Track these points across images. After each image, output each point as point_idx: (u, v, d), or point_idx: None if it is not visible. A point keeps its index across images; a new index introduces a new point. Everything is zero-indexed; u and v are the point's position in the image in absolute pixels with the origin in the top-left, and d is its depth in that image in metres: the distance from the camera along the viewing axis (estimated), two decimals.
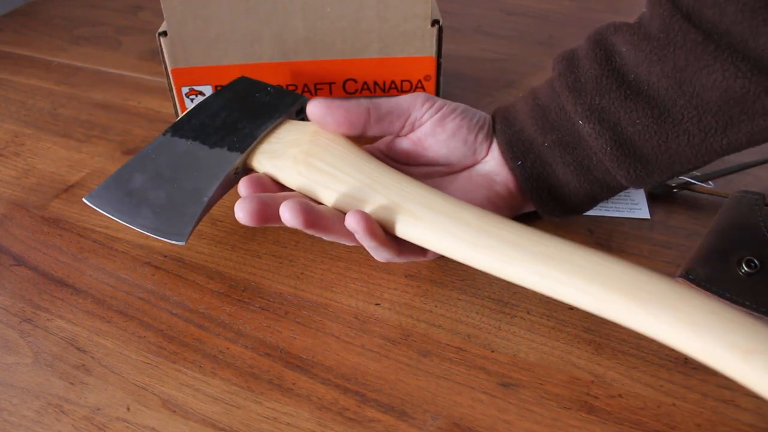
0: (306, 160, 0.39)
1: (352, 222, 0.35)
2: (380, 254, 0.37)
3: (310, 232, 0.36)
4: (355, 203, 0.37)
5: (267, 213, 0.36)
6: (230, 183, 0.42)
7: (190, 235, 0.40)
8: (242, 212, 0.36)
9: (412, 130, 0.41)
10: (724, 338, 0.27)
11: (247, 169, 0.42)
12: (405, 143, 0.41)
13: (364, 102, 0.40)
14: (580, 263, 0.31)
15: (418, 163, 0.42)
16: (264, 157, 0.41)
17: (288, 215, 0.35)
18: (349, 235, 0.37)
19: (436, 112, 0.40)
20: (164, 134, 0.44)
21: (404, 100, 0.41)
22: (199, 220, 0.40)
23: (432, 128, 0.40)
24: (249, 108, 0.44)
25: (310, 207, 0.35)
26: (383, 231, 0.36)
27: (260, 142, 0.42)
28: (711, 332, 0.28)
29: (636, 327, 0.30)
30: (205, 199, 0.40)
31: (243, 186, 0.39)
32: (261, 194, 0.37)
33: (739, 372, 0.27)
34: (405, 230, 0.36)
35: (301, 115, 0.45)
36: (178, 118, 0.45)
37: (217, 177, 0.40)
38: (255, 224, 0.36)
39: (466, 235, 0.34)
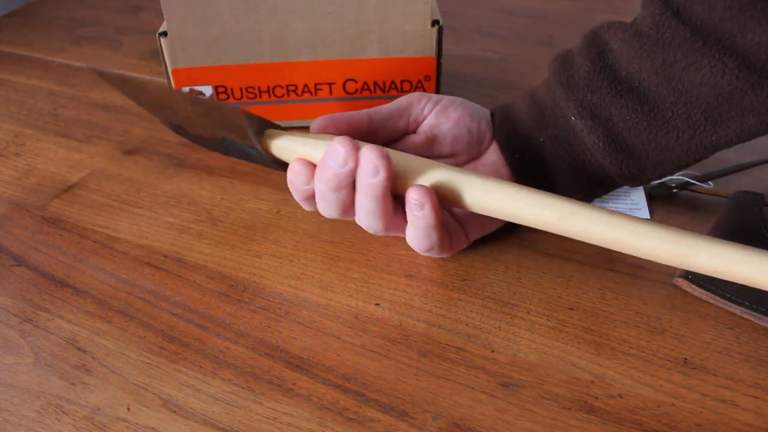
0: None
1: (416, 195, 0.34)
2: (431, 237, 0.37)
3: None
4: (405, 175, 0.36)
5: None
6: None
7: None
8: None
9: (417, 125, 0.41)
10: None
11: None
12: (413, 139, 0.42)
13: (364, 110, 0.40)
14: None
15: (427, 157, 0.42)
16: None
17: (371, 155, 0.34)
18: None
19: (436, 104, 0.41)
20: None
21: (402, 99, 0.41)
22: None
23: (436, 119, 0.41)
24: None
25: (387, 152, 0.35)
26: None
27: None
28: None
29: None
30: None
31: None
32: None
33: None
34: (471, 196, 0.36)
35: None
36: None
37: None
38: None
39: (520, 193, 0.35)
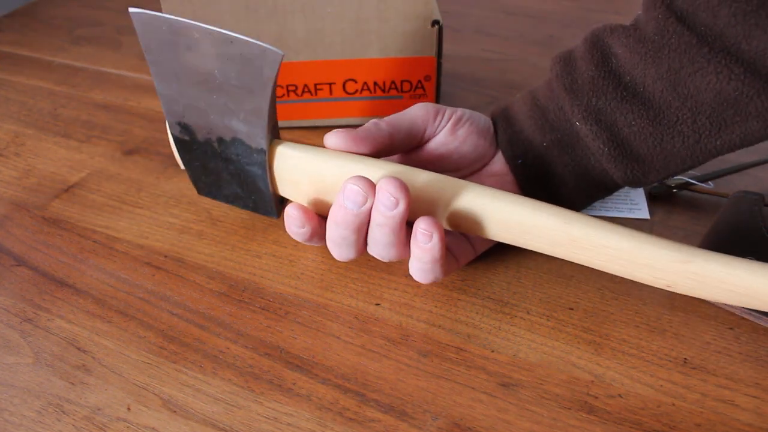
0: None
1: (425, 225, 0.34)
2: (435, 271, 0.36)
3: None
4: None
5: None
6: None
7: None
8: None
9: (426, 141, 0.41)
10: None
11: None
12: (420, 154, 0.41)
13: (383, 126, 0.39)
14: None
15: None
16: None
17: (390, 185, 0.34)
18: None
19: (447, 122, 0.40)
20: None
21: (417, 115, 0.40)
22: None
23: (444, 138, 0.40)
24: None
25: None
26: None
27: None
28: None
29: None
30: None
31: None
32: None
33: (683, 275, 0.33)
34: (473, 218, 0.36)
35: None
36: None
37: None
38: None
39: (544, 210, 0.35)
